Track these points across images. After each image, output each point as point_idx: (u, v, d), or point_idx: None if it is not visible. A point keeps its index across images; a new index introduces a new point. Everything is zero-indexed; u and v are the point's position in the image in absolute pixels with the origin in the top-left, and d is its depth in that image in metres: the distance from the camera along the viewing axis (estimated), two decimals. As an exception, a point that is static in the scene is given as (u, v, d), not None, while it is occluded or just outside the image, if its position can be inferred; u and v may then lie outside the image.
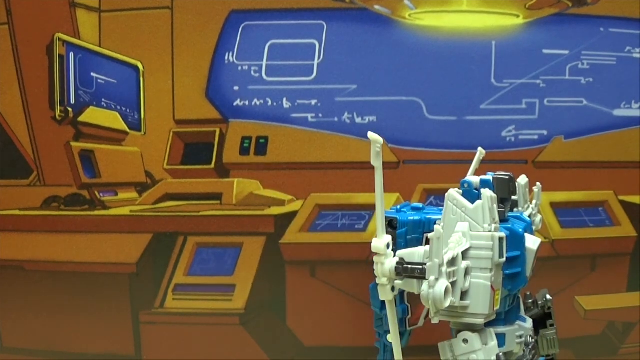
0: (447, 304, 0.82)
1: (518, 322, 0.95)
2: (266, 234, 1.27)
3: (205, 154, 1.25)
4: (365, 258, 1.27)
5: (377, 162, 0.83)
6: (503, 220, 0.93)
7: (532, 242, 0.93)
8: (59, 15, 1.22)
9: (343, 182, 1.25)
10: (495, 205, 0.89)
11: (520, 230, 0.92)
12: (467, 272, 0.86)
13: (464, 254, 0.86)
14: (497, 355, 0.90)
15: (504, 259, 0.88)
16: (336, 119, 1.24)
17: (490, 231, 0.87)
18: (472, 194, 0.91)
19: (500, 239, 0.88)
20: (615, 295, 1.30)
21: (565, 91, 1.24)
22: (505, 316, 0.94)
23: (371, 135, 0.83)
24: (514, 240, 0.91)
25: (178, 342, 1.29)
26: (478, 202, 0.88)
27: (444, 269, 0.81)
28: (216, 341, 1.29)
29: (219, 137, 1.25)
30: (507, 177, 0.94)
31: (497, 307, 0.89)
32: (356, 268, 1.28)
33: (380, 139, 0.83)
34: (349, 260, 1.27)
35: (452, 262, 0.83)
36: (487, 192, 0.89)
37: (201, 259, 1.28)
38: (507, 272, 0.91)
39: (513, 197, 0.99)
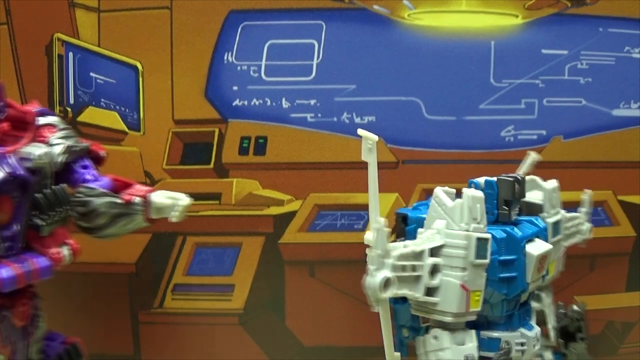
0: (386, 295, 0.82)
1: (521, 330, 0.94)
2: (265, 233, 1.27)
3: (204, 153, 1.25)
4: (364, 258, 1.27)
5: (369, 158, 0.84)
6: (509, 222, 0.93)
7: (536, 248, 0.92)
8: (58, 15, 1.22)
9: (342, 182, 1.25)
10: (479, 206, 0.88)
11: (520, 234, 0.91)
12: (436, 269, 0.87)
13: (437, 251, 0.87)
14: (465, 356, 0.90)
15: (487, 260, 0.88)
16: (335, 119, 1.24)
17: (467, 230, 0.87)
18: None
19: (481, 239, 0.87)
20: (614, 295, 1.30)
21: (564, 91, 1.24)
22: (505, 321, 0.94)
23: (362, 132, 0.83)
24: (511, 244, 0.91)
25: (177, 342, 1.29)
26: (457, 200, 0.88)
27: (389, 260, 0.82)
28: (215, 341, 1.29)
29: (218, 137, 1.25)
30: (511, 179, 0.93)
31: (475, 308, 0.89)
32: (355, 268, 1.27)
33: (374, 137, 0.83)
34: (348, 260, 1.27)
35: (416, 256, 0.85)
36: (468, 192, 0.88)
37: (200, 259, 1.28)
38: (502, 275, 0.90)
39: (535, 201, 0.99)
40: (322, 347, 1.30)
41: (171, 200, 1.01)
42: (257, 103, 1.24)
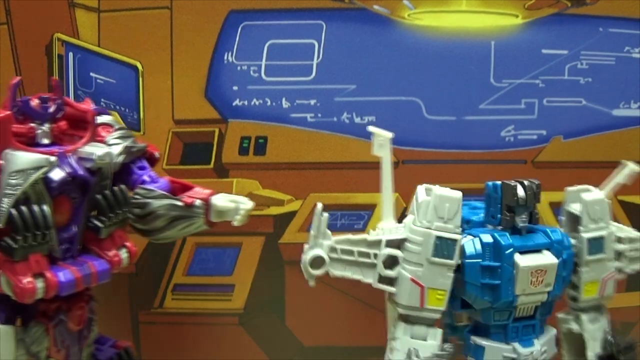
0: (315, 273, 0.91)
1: (515, 344, 0.93)
2: (265, 233, 1.27)
3: (204, 153, 1.25)
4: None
5: (380, 153, 0.90)
6: (513, 228, 0.91)
7: (527, 259, 0.89)
8: (58, 15, 1.22)
9: (342, 182, 1.25)
10: (448, 205, 0.88)
11: (508, 242, 0.89)
12: (395, 260, 0.90)
13: (400, 244, 0.90)
14: (409, 349, 0.90)
15: (451, 260, 0.88)
16: (335, 119, 1.24)
17: (428, 228, 0.89)
18: (489, 197, 0.92)
19: (445, 239, 0.88)
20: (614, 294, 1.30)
21: (564, 91, 1.24)
22: (498, 331, 0.93)
23: (373, 129, 0.90)
24: (496, 250, 0.90)
25: (177, 342, 1.29)
26: (426, 198, 0.90)
27: (326, 242, 0.90)
28: (215, 341, 1.29)
29: (218, 137, 1.25)
30: (513, 184, 0.91)
31: (436, 306, 0.90)
32: (355, 268, 1.27)
33: (388, 134, 0.90)
34: (348, 260, 1.27)
35: (371, 245, 0.89)
36: (437, 190, 0.90)
37: (200, 258, 1.28)
38: (483, 281, 0.90)
39: (575, 212, 0.95)
40: (322, 347, 1.30)
41: (234, 204, 0.99)
42: (257, 103, 1.24)
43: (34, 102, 0.95)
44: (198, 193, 0.99)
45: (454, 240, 0.89)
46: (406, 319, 0.92)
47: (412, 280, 0.89)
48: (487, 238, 0.90)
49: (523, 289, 0.89)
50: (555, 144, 1.25)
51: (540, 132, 1.25)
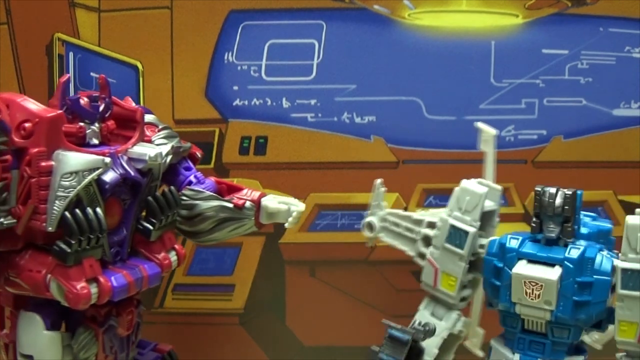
0: (369, 236, 1.00)
1: (515, 356, 0.90)
2: (265, 233, 1.27)
3: (205, 153, 1.25)
4: (364, 258, 1.27)
5: (485, 148, 0.94)
6: (549, 239, 0.87)
7: (524, 268, 0.86)
8: (58, 15, 1.22)
9: (342, 182, 1.25)
10: (469, 198, 0.91)
11: (511, 246, 0.88)
12: (427, 240, 0.95)
13: (435, 227, 0.95)
14: (419, 321, 0.94)
15: (462, 250, 0.90)
16: (335, 119, 1.24)
17: (449, 215, 0.93)
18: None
19: (458, 228, 0.91)
20: (614, 294, 1.29)
21: (564, 91, 1.24)
22: (508, 335, 0.91)
23: (480, 125, 0.93)
24: (504, 252, 0.89)
25: (177, 342, 1.29)
26: (457, 188, 0.93)
27: (380, 212, 0.99)
28: (215, 341, 1.29)
29: (219, 137, 1.25)
30: (539, 190, 0.87)
31: (447, 290, 0.92)
32: (356, 268, 1.28)
33: (493, 131, 0.93)
34: (348, 260, 1.27)
35: (415, 222, 0.97)
36: (463, 183, 0.93)
37: (200, 258, 1.28)
38: (490, 280, 0.90)
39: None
40: (322, 347, 1.30)
41: (285, 206, 0.98)
42: (257, 103, 1.24)
43: (84, 101, 0.91)
44: (248, 195, 0.98)
45: (467, 232, 0.90)
46: (432, 296, 0.96)
47: (429, 260, 0.94)
48: (504, 239, 0.90)
49: (519, 298, 0.87)
50: (556, 144, 1.25)
51: (541, 132, 1.25)
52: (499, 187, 0.95)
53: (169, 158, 0.95)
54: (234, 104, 1.24)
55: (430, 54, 1.23)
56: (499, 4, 1.22)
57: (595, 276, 0.85)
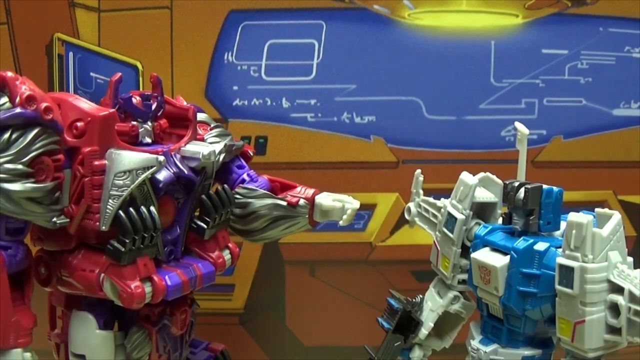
0: (409, 218, 1.04)
1: (477, 339, 0.92)
2: (265, 233, 1.27)
3: (205, 153, 1.25)
4: (364, 258, 1.27)
5: (519, 146, 0.95)
6: (515, 231, 0.89)
7: (482, 254, 0.89)
8: (58, 15, 1.22)
9: (342, 182, 1.25)
10: (462, 188, 0.94)
11: (478, 232, 0.92)
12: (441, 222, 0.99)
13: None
14: (420, 297, 0.99)
15: (451, 235, 0.94)
16: (335, 119, 1.24)
17: (450, 202, 0.97)
18: None
19: (450, 214, 0.94)
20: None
21: (564, 91, 1.24)
22: (483, 318, 0.94)
23: (517, 124, 0.95)
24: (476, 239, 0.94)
25: (177, 341, 1.29)
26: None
27: (417, 199, 1.03)
28: (216, 341, 1.29)
29: (218, 137, 1.25)
30: (506, 183, 0.90)
31: (443, 270, 0.96)
32: (355, 268, 1.28)
33: (526, 130, 0.94)
34: (348, 260, 1.27)
35: (438, 209, 0.99)
36: (462, 175, 0.96)
37: (200, 258, 1.27)
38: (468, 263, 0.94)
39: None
40: (322, 347, 1.30)
41: (340, 203, 0.98)
42: (257, 103, 1.24)
43: (136, 100, 0.91)
44: (302, 193, 0.98)
45: (456, 219, 0.94)
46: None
47: (434, 241, 0.98)
48: (481, 228, 0.93)
49: (477, 281, 0.90)
50: (555, 143, 1.25)
51: (541, 132, 1.25)
52: (500, 181, 0.96)
53: (222, 156, 0.95)
54: (234, 103, 1.24)
55: (430, 54, 1.23)
56: (499, 4, 1.22)
57: (542, 270, 0.85)
